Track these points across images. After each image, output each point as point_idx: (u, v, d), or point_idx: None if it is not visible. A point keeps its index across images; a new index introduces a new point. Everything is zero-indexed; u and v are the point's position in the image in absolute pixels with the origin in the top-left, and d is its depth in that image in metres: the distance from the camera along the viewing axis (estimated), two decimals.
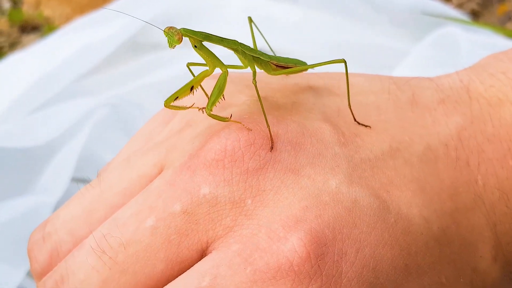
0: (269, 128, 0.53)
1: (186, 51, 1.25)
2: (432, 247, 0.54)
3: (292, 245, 0.48)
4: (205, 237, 0.50)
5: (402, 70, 1.01)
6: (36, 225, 1.04)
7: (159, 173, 0.55)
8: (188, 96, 0.56)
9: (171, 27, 0.55)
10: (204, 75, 0.57)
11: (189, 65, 0.62)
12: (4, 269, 1.02)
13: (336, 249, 0.49)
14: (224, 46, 0.58)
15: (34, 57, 1.13)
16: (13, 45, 1.68)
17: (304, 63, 0.63)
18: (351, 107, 0.59)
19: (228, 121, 0.54)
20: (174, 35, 0.54)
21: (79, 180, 1.17)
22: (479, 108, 0.60)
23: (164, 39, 1.14)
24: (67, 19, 1.65)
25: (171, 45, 0.55)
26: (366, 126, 0.58)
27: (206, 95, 0.60)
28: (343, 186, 0.52)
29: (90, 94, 1.12)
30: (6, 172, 1.10)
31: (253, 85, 0.56)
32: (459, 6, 1.50)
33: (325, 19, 1.24)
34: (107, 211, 0.56)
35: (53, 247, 0.57)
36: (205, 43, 0.57)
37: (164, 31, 0.55)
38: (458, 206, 0.57)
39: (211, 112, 0.53)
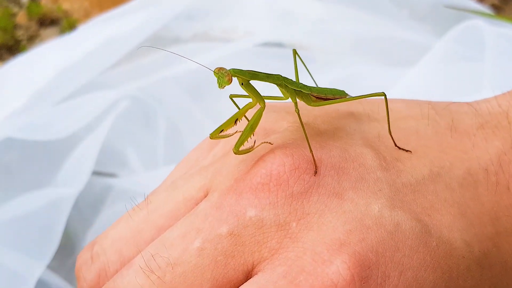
0: (312, 153, 0.53)
1: (206, 45, 1.25)
2: (474, 270, 0.55)
3: (336, 268, 0.48)
4: (251, 259, 0.51)
5: (425, 64, 1.01)
6: (57, 217, 1.05)
7: (205, 196, 0.56)
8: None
9: (221, 68, 0.56)
10: (248, 107, 0.59)
11: (232, 97, 0.64)
12: (26, 261, 1.03)
13: (380, 272, 0.49)
14: (269, 82, 0.59)
15: (57, 50, 1.14)
16: (32, 39, 1.69)
17: (342, 92, 0.64)
18: (391, 133, 0.59)
19: (252, 150, 0.56)
20: (224, 76, 0.55)
21: (99, 174, 1.17)
22: None
23: (184, 33, 1.13)
24: (86, 12, 1.65)
25: (221, 85, 0.56)
26: (406, 151, 0.58)
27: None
28: (385, 210, 0.52)
29: (111, 87, 1.13)
30: (28, 165, 1.10)
31: (294, 112, 0.58)
32: (480, 1, 1.49)
33: (346, 13, 1.23)
34: (154, 232, 0.57)
35: (101, 267, 0.58)
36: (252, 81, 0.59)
37: (214, 71, 0.56)
38: (498, 230, 0.57)
39: (239, 150, 0.55)
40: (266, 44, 1.20)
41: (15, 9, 1.77)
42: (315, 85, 0.67)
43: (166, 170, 1.12)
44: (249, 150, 0.55)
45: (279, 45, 1.26)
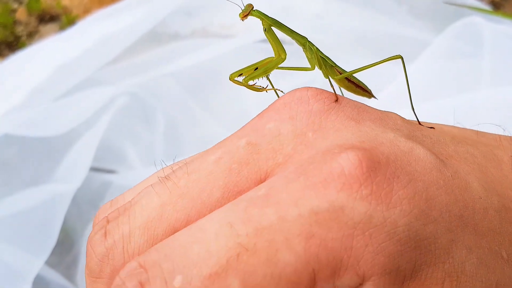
0: (333, 88, 0.56)
1: (204, 41, 1.25)
2: (492, 216, 0.53)
3: (346, 155, 0.49)
4: (265, 166, 0.51)
5: (424, 60, 1.01)
6: (55, 213, 1.05)
7: None
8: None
9: (250, 4, 0.60)
10: (269, 60, 0.60)
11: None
12: (24, 257, 1.03)
13: (389, 170, 0.49)
14: (293, 38, 0.61)
15: (56, 47, 1.14)
16: (31, 35, 1.69)
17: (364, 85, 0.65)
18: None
19: (263, 90, 0.59)
20: (247, 10, 0.60)
21: (98, 170, 1.18)
22: None
23: (183, 29, 1.13)
24: (85, 8, 1.65)
25: (240, 15, 0.60)
26: (430, 127, 0.58)
27: (272, 86, 0.63)
28: (401, 138, 0.52)
29: (110, 83, 1.13)
30: (27, 161, 1.11)
31: None
32: None
33: (346, 9, 1.23)
34: None
35: (118, 206, 0.57)
36: (275, 30, 0.61)
37: (247, 4, 0.60)
38: None
39: (248, 83, 0.58)
40: (265, 40, 1.20)
41: (15, 5, 1.77)
42: None
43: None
44: (258, 89, 0.58)
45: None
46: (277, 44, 0.59)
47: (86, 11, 1.57)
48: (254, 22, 1.29)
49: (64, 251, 1.21)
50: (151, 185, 0.53)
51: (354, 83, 0.63)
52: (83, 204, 1.19)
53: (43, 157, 1.12)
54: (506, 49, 0.96)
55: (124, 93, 1.11)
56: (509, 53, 0.97)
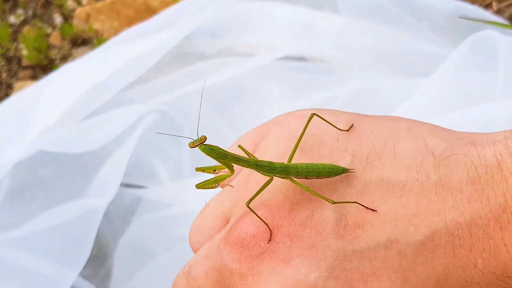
0: (267, 225, 0.64)
1: (229, 60, 1.28)
2: None
3: None
4: None
5: (440, 74, 1.03)
6: (89, 227, 1.09)
7: (229, 218, 0.70)
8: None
9: (203, 138, 0.64)
10: (222, 169, 0.68)
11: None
12: (59, 269, 1.07)
13: None
14: (240, 165, 0.66)
15: (86, 67, 1.18)
16: (65, 58, 1.75)
17: (332, 169, 0.64)
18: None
19: (216, 187, 0.68)
20: (196, 143, 0.64)
21: (129, 186, 1.22)
22: (503, 192, 0.57)
23: (209, 49, 1.17)
24: (116, 32, 1.71)
25: (190, 144, 0.64)
26: (372, 210, 0.62)
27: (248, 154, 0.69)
28: (320, 280, 0.61)
29: (139, 102, 1.17)
30: (62, 177, 1.15)
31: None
32: (498, 11, 1.51)
33: (366, 26, 1.26)
34: (207, 229, 0.71)
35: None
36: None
37: (202, 136, 0.64)
38: None
39: (199, 187, 0.68)
40: (288, 58, 1.24)
41: (48, 30, 1.83)
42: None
43: (192, 182, 1.16)
44: (210, 188, 0.68)
45: (301, 58, 1.30)
46: (228, 166, 0.66)
47: (117, 34, 1.62)
48: (279, 41, 1.32)
49: (98, 264, 1.25)
50: (182, 275, 0.70)
51: (308, 178, 0.65)
52: (115, 219, 1.23)
53: (76, 173, 1.16)
54: None
55: (153, 111, 1.15)
56: None
